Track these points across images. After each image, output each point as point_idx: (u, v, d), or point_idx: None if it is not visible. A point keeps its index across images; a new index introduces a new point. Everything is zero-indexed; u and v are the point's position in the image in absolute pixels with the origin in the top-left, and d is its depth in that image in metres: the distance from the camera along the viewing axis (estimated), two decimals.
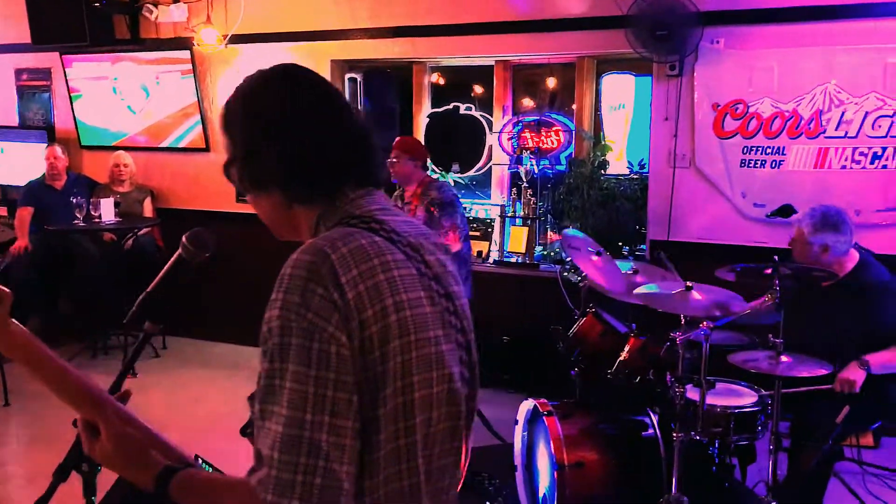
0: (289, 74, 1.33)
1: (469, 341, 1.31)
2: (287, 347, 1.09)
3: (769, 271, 3.05)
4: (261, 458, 1.10)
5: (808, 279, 3.25)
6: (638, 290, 3.25)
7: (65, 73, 6.69)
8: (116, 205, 6.05)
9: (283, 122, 1.26)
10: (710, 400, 3.15)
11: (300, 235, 1.32)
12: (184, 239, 1.46)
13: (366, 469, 1.13)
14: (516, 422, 3.65)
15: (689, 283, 3.13)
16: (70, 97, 6.74)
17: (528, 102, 5.97)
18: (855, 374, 3.14)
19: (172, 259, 1.45)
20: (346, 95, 5.93)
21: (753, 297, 3.51)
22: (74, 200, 5.88)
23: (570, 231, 3.99)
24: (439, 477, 1.25)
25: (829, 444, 3.06)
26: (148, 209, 6.44)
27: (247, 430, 1.30)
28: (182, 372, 5.80)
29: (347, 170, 1.29)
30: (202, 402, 5.21)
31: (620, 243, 5.25)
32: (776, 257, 3.09)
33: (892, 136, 4.39)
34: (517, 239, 5.52)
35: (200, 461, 2.87)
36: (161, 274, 1.44)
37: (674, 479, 3.10)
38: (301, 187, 1.27)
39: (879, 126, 4.41)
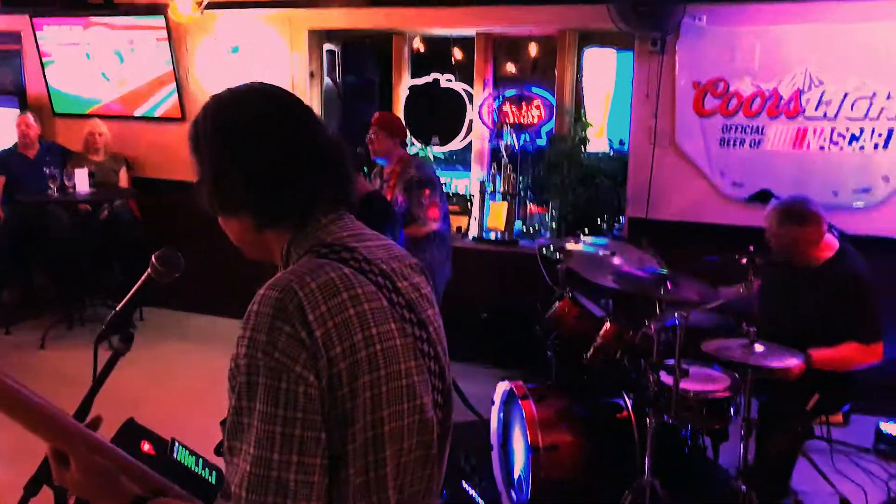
0: (259, 94, 1.29)
1: (442, 367, 1.30)
2: (254, 387, 1.08)
3: (745, 261, 3.07)
4: (230, 489, 1.10)
5: (782, 268, 3.28)
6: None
7: (35, 36, 6.52)
8: (91, 175, 5.96)
9: (252, 145, 1.23)
10: (683, 385, 3.18)
11: (272, 258, 1.30)
12: (153, 259, 1.44)
13: (335, 503, 1.13)
14: (493, 402, 3.69)
15: (666, 271, 3.14)
16: (42, 62, 6.59)
17: (510, 68, 5.91)
18: (793, 363, 3.16)
19: (142, 279, 1.43)
20: (325, 67, 5.91)
21: (730, 282, 3.55)
22: (48, 171, 5.78)
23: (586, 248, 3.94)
24: (412, 503, 1.25)
25: (798, 430, 3.11)
26: (123, 179, 6.35)
27: (220, 449, 1.30)
28: (159, 345, 5.75)
29: (318, 193, 1.26)
30: (180, 377, 5.20)
31: (599, 221, 5.24)
32: (752, 247, 3.11)
33: (870, 118, 4.41)
34: (497, 215, 5.51)
35: (177, 445, 2.85)
36: (131, 293, 1.42)
37: (646, 463, 3.14)
38: (271, 211, 1.25)
39: (858, 107, 4.42)
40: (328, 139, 1.29)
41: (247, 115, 1.26)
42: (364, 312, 1.16)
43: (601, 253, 3.80)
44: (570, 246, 3.84)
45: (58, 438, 1.27)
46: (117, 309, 1.41)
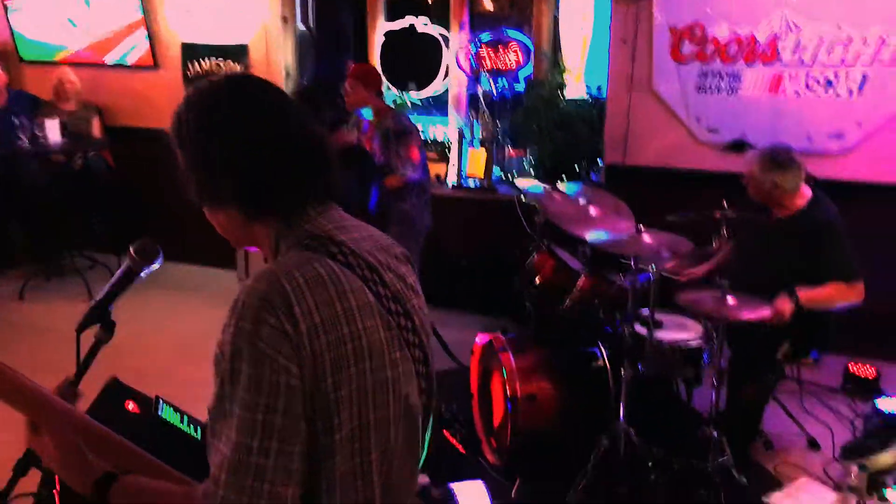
0: (241, 86, 1.30)
1: (426, 353, 1.34)
2: (238, 374, 1.11)
3: (718, 215, 3.12)
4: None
5: (756, 220, 3.34)
6: (590, 237, 3.29)
7: None
8: (63, 125, 5.86)
9: (237, 137, 1.24)
10: (657, 335, 3.26)
11: (261, 248, 1.32)
12: (131, 251, 1.45)
13: (323, 489, 1.17)
14: (472, 353, 3.76)
15: (639, 226, 3.19)
16: (5, 7, 6.41)
17: (487, 4, 5.83)
18: (783, 305, 3.28)
19: (121, 270, 1.45)
20: (297, 13, 5.79)
21: (704, 235, 3.60)
22: (17, 121, 5.67)
23: (529, 188, 3.99)
24: (399, 485, 1.30)
25: (769, 379, 3.20)
26: (96, 128, 6.25)
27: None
28: (145, 294, 5.71)
29: (303, 185, 1.27)
30: (167, 326, 5.21)
31: (577, 167, 5.26)
32: (724, 202, 3.16)
33: (845, 64, 4.41)
34: (475, 162, 5.51)
35: (162, 403, 2.89)
36: (110, 284, 1.44)
37: (621, 410, 3.24)
38: (258, 204, 1.26)
39: (833, 53, 4.42)
40: (312, 130, 1.30)
41: (230, 110, 1.25)
42: (350, 308, 1.19)
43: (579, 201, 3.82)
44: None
45: (31, 411, 1.27)
46: (98, 299, 1.43)
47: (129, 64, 6.24)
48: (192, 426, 2.88)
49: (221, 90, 1.28)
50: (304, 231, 1.26)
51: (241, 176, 1.24)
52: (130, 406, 2.82)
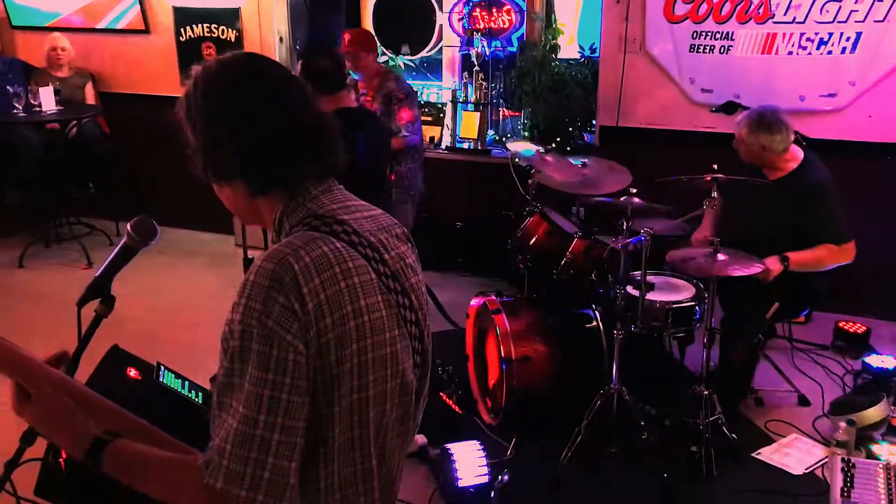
0: (248, 65, 1.33)
1: (422, 330, 1.39)
2: (247, 351, 1.15)
3: (708, 178, 3.15)
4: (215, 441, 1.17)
5: (747, 183, 3.37)
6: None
7: None
8: (57, 92, 5.84)
9: (242, 116, 1.28)
10: (649, 296, 3.30)
11: (265, 224, 1.36)
12: (128, 228, 1.49)
13: (321, 459, 1.23)
14: (467, 315, 3.81)
15: (632, 189, 3.21)
16: None
17: None
18: (773, 265, 3.33)
19: (119, 247, 1.49)
20: None
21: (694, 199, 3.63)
22: (11, 89, 5.65)
23: (524, 152, 4.02)
24: (391, 456, 1.36)
25: (758, 339, 3.26)
26: (90, 95, 6.23)
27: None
28: (139, 260, 5.77)
29: (305, 162, 1.31)
30: (163, 292, 5.26)
31: (571, 129, 5.25)
32: (715, 166, 3.18)
33: (839, 22, 4.39)
34: (469, 124, 5.50)
35: (163, 369, 2.93)
36: (108, 261, 1.47)
37: (614, 370, 3.29)
38: (262, 180, 1.30)
39: (827, 11, 4.40)
40: (313, 109, 1.34)
41: (236, 88, 1.29)
42: (354, 286, 1.24)
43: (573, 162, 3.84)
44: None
45: (17, 374, 1.28)
46: (96, 275, 1.47)
47: (120, 28, 6.18)
48: (193, 391, 2.93)
49: (228, 70, 1.32)
50: (308, 210, 1.30)
51: (246, 152, 1.28)
52: (132, 373, 2.86)
